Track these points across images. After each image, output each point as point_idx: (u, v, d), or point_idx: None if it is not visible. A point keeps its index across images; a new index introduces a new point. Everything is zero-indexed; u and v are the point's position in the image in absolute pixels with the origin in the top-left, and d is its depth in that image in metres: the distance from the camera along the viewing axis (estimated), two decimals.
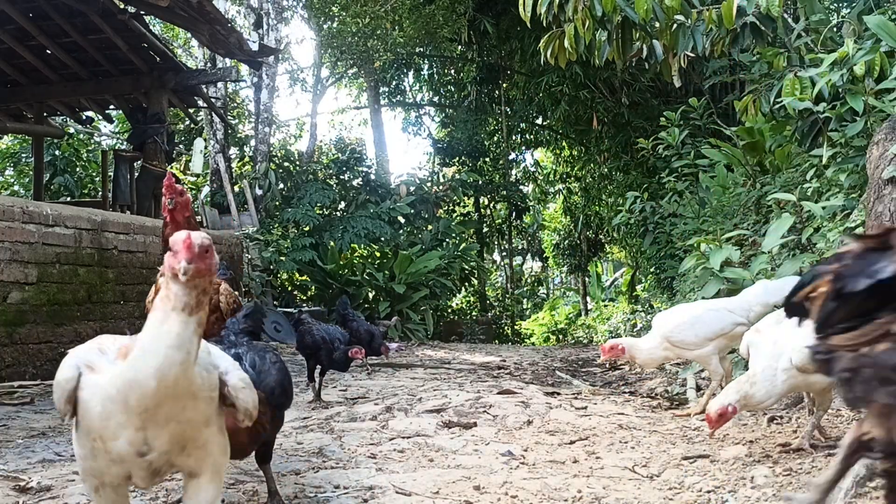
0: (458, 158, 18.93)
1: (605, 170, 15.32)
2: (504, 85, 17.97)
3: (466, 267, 15.37)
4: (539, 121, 18.52)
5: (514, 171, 20.92)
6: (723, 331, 3.88)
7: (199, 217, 12.47)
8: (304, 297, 13.80)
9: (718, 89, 9.98)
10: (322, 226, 13.27)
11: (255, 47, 10.41)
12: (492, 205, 21.03)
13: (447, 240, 14.57)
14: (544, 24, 5.57)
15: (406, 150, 57.70)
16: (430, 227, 14.80)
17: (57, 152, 14.56)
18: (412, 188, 14.88)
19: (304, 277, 13.73)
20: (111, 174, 10.73)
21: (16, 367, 5.50)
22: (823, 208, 4.26)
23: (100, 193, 12.64)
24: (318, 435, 3.64)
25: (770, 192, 5.63)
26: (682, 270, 5.81)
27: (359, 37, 14.47)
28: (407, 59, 18.27)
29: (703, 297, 4.66)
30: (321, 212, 13.75)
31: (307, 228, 12.92)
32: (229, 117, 14.93)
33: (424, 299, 13.11)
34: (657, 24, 5.31)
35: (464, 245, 15.25)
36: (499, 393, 4.96)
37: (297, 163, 15.33)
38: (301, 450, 3.29)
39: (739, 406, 2.87)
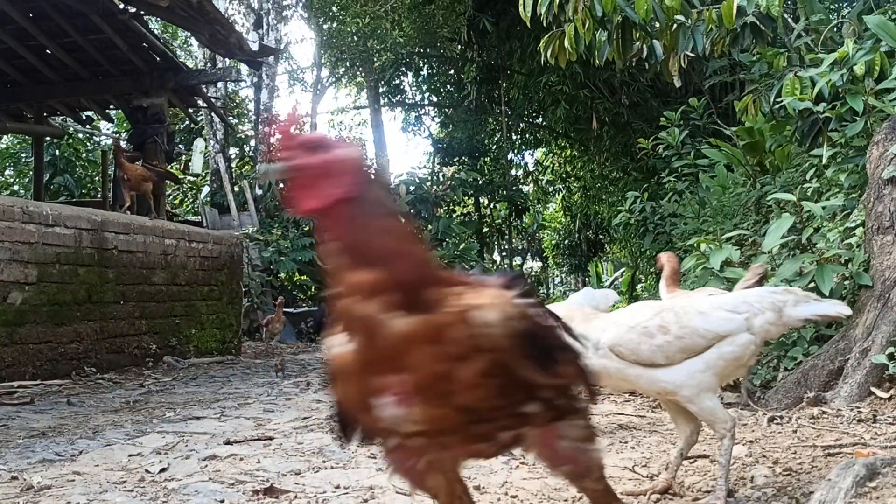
0: (458, 158, 18.93)
1: (605, 170, 15.31)
2: (504, 85, 17.97)
3: (466, 267, 15.35)
4: (539, 121, 18.52)
5: (514, 171, 20.92)
6: None
7: (200, 217, 12.49)
8: (304, 297, 13.80)
9: (718, 89, 9.97)
10: None
11: (255, 47, 10.40)
12: (492, 205, 21.03)
13: (447, 240, 14.56)
14: (544, 24, 5.57)
15: (406, 150, 57.84)
16: (430, 227, 14.80)
17: (57, 152, 14.55)
18: (412, 188, 14.88)
19: (304, 277, 13.72)
20: (111, 174, 10.72)
21: (16, 367, 5.50)
22: (823, 208, 4.26)
23: (99, 193, 12.64)
24: (318, 435, 3.64)
25: (770, 192, 5.63)
26: (681, 270, 5.81)
27: (358, 37, 14.47)
28: (407, 58, 18.26)
29: None
30: None
31: (307, 228, 12.92)
32: (229, 117, 14.93)
33: None
34: (657, 24, 5.31)
35: (464, 245, 15.24)
36: None
37: None
38: (301, 450, 3.29)
39: None
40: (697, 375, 2.26)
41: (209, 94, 12.21)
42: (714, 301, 2.45)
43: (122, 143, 9.62)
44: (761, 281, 3.49)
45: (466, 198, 18.94)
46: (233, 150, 15.10)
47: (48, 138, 13.00)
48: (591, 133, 14.90)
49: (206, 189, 14.32)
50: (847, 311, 2.38)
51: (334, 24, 15.23)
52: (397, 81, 20.51)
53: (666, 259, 4.17)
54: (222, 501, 2.49)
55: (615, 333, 2.36)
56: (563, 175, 20.10)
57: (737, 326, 2.29)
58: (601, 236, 21.04)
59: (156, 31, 13.05)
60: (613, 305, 4.15)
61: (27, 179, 15.39)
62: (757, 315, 2.30)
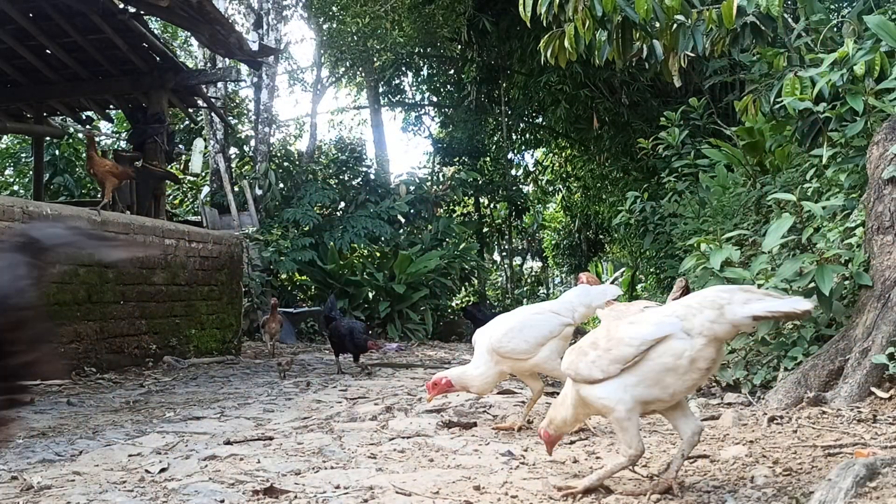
0: (458, 158, 18.94)
1: (605, 170, 15.32)
2: (504, 85, 17.97)
3: (466, 267, 15.36)
4: (539, 120, 18.51)
5: (514, 171, 20.92)
6: (552, 333, 3.73)
7: (200, 217, 12.49)
8: (304, 297, 13.80)
9: (718, 89, 9.98)
10: (322, 226, 13.27)
11: (255, 47, 10.39)
12: (492, 205, 21.03)
13: (447, 239, 14.56)
14: (544, 24, 5.57)
15: (406, 149, 57.85)
16: (429, 227, 14.80)
17: (57, 152, 14.55)
18: (412, 188, 14.88)
19: (304, 277, 13.72)
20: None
21: None
22: (823, 208, 4.26)
23: (100, 193, 12.63)
24: (318, 435, 3.64)
25: (770, 192, 5.63)
26: (682, 270, 5.80)
27: (358, 37, 14.48)
28: (407, 58, 18.27)
29: None
30: (321, 212, 13.75)
31: (307, 228, 12.92)
32: (229, 117, 14.92)
33: (424, 299, 13.10)
34: (657, 24, 5.31)
35: (464, 245, 15.23)
36: (499, 393, 4.96)
37: (297, 163, 15.33)
38: (301, 450, 3.29)
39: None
40: (630, 389, 2.30)
41: (209, 94, 12.21)
42: (655, 310, 2.47)
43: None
44: (685, 293, 3.53)
45: (466, 198, 18.94)
46: (233, 150, 15.09)
47: (48, 138, 12.99)
48: (591, 133, 14.90)
49: (206, 189, 14.32)
50: (805, 305, 2.21)
51: (334, 24, 15.24)
52: (397, 81, 20.50)
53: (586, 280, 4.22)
54: (222, 501, 2.49)
55: (564, 359, 2.47)
56: (563, 175, 20.10)
57: (664, 330, 2.27)
58: (601, 236, 21.05)
59: (156, 31, 13.03)
60: (613, 300, 4.11)
61: (27, 179, 15.37)
62: (695, 315, 2.26)
